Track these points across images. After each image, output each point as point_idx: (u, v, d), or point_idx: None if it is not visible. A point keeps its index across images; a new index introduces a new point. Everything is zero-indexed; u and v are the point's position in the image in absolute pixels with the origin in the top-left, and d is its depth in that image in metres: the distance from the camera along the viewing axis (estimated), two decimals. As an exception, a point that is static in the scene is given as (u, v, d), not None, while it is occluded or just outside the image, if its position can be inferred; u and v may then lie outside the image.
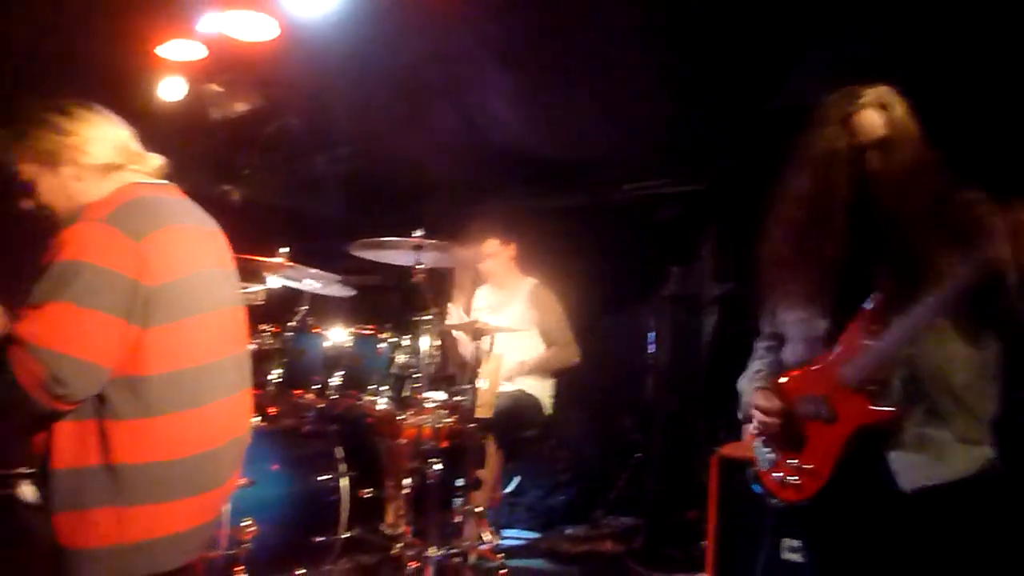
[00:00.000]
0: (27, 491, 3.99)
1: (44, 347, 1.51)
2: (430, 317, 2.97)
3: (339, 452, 3.48)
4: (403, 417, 3.03)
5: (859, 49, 3.19)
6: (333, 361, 3.19)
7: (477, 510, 3.13)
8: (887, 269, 1.68)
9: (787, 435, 1.85)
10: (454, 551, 3.00)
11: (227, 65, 3.94)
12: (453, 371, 3.33)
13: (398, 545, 3.24)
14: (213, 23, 3.52)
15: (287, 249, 3.40)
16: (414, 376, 3.01)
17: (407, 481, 3.29)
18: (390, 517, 3.80)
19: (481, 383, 3.08)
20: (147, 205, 1.71)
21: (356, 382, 3.16)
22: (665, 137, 4.22)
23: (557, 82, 4.04)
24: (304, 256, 3.45)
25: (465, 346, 3.88)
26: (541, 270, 3.98)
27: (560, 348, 3.81)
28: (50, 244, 1.64)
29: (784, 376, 1.90)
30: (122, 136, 1.81)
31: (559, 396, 3.98)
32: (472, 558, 3.10)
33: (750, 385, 1.94)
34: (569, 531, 4.23)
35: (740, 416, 1.97)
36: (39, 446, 1.61)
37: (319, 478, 3.39)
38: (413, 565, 2.87)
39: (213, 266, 1.80)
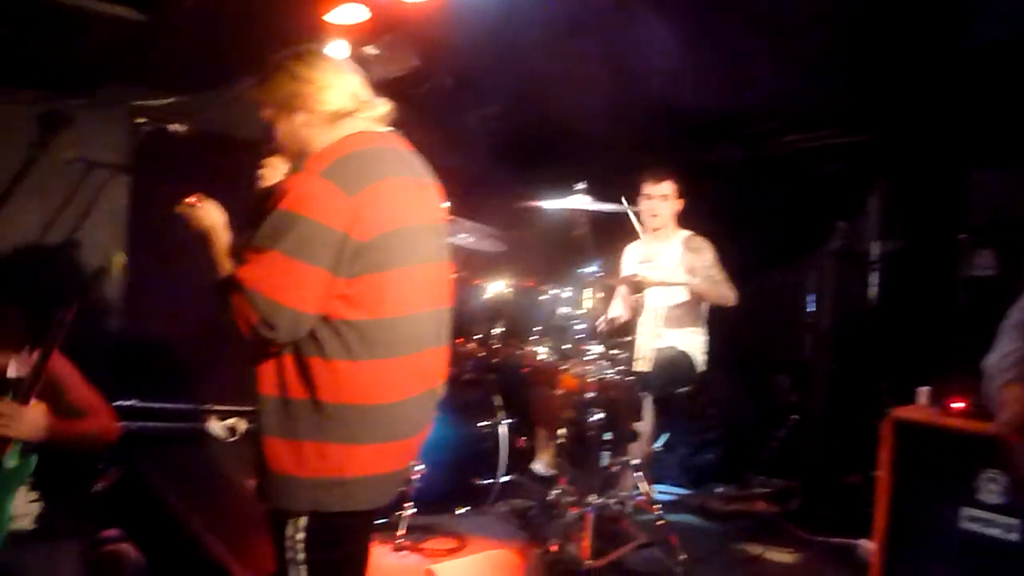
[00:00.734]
0: (216, 427, 4.38)
1: (259, 292, 1.60)
2: (591, 270, 2.98)
3: (497, 400, 3.60)
4: (565, 368, 3.07)
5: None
6: (494, 312, 3.28)
7: (633, 462, 3.15)
8: None
9: None
10: (612, 500, 3.04)
11: (387, 27, 4.06)
12: (612, 324, 3.33)
13: (554, 492, 3.34)
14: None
15: (446, 204, 3.51)
16: (575, 328, 3.03)
17: (561, 431, 3.37)
18: (542, 461, 3.90)
19: (639, 337, 3.07)
20: (366, 158, 1.74)
21: (517, 333, 3.23)
22: (831, 84, 3.99)
23: (714, 28, 3.90)
24: (460, 213, 3.56)
25: (624, 299, 3.88)
26: (697, 226, 3.90)
27: (716, 284, 3.69)
28: (276, 189, 1.73)
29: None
30: (353, 83, 1.83)
31: (711, 354, 3.92)
32: (629, 508, 3.13)
33: (1003, 373, 1.79)
34: (719, 489, 4.20)
35: (983, 399, 1.83)
36: (257, 374, 1.71)
37: (479, 424, 3.53)
38: (573, 511, 2.93)
39: (422, 220, 1.81)
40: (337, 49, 4.15)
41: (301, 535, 1.67)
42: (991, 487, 2.50)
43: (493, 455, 3.54)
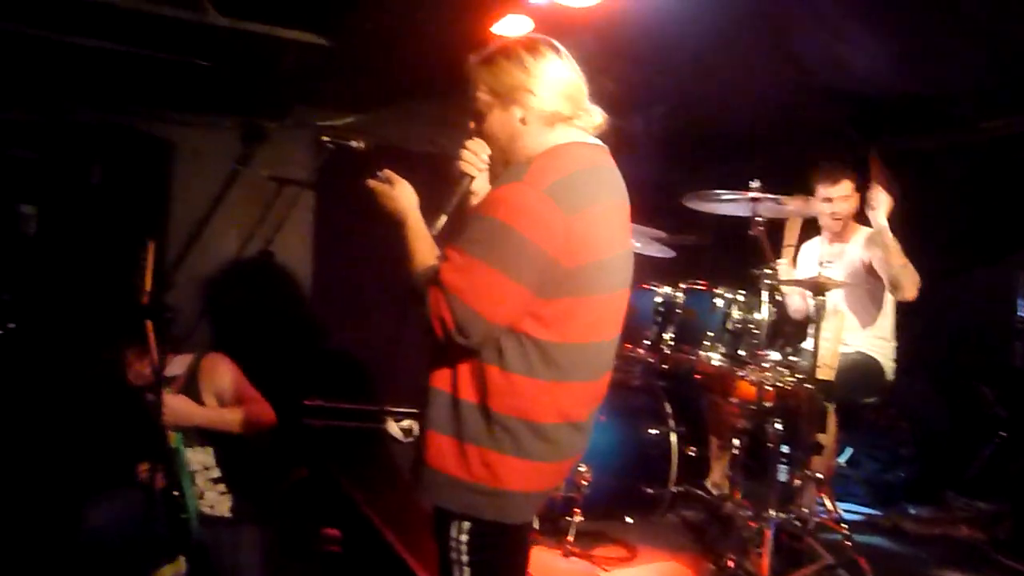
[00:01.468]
0: (394, 427, 4.59)
1: (460, 298, 1.57)
2: (769, 271, 2.83)
3: (668, 408, 3.52)
4: (741, 374, 2.94)
5: None
6: (665, 316, 3.21)
7: (817, 476, 2.95)
8: None
9: None
10: (794, 516, 2.87)
11: (551, 34, 4.10)
12: (790, 329, 3.15)
13: (728, 504, 3.20)
14: (541, -7, 3.64)
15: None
16: (751, 333, 2.89)
17: (736, 442, 3.22)
18: (716, 475, 3.76)
19: (823, 342, 2.88)
20: (586, 178, 1.66)
21: (689, 338, 3.14)
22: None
23: (898, 6, 3.61)
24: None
25: (803, 302, 3.67)
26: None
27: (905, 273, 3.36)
28: (491, 193, 1.68)
29: None
30: (576, 85, 1.74)
31: (900, 361, 3.62)
32: (812, 526, 2.94)
33: None
34: (913, 511, 3.86)
35: None
36: (431, 368, 1.70)
37: (649, 431, 3.46)
38: (752, 526, 2.79)
39: (621, 247, 1.76)
40: (512, 36, 4.24)
41: (465, 537, 1.67)
42: None
43: (664, 463, 3.45)
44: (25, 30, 3.62)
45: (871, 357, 3.42)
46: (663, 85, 4.67)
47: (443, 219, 1.77)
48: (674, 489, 3.43)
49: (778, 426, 2.86)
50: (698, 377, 3.48)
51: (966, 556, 3.30)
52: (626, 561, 3.07)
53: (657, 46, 4.12)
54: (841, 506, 3.71)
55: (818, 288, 2.90)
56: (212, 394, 2.86)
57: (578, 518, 3.11)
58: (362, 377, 4.85)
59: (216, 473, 2.81)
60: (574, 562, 3.03)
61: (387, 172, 1.79)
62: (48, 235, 4.48)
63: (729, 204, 3.06)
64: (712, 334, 3.09)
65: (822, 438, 2.93)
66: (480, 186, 1.83)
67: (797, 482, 2.99)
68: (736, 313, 3.07)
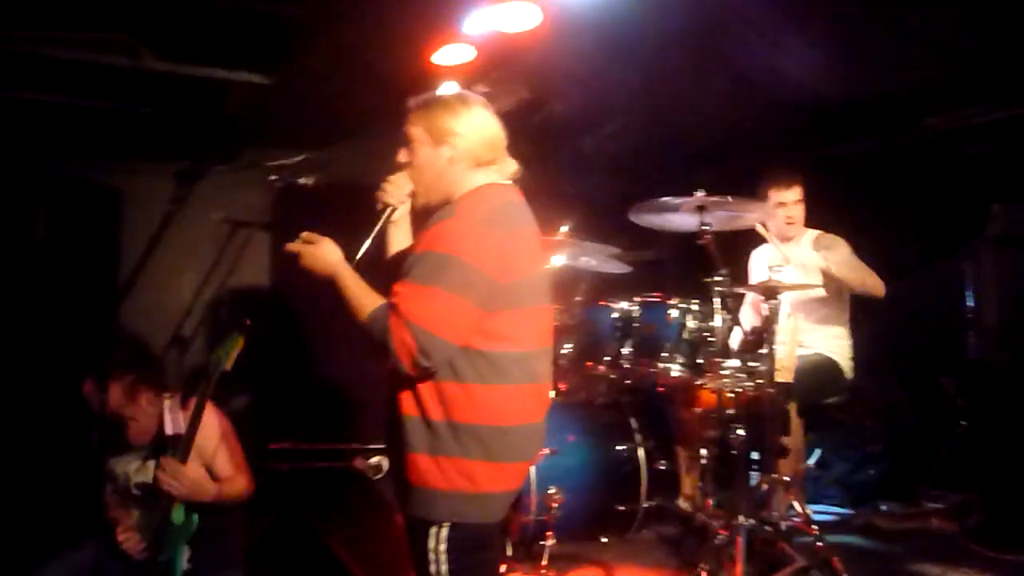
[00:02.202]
0: (363, 463, 4.51)
1: (419, 325, 1.72)
2: (720, 279, 2.86)
3: (634, 423, 3.51)
4: (700, 383, 2.95)
5: None
6: (623, 331, 3.21)
7: (785, 479, 2.96)
8: None
9: None
10: (765, 521, 2.86)
11: (493, 63, 4.13)
12: (747, 335, 3.17)
13: (701, 515, 3.19)
14: (479, 22, 3.68)
15: (566, 227, 3.50)
16: (708, 341, 2.91)
17: (703, 452, 3.22)
18: (687, 489, 3.74)
19: (779, 345, 2.90)
20: (508, 210, 1.88)
21: (648, 351, 3.14)
22: (969, 59, 3.68)
23: (830, 14, 3.70)
24: (582, 236, 3.52)
25: (754, 315, 3.70)
26: (834, 225, 3.66)
27: (856, 270, 3.44)
28: (430, 231, 1.83)
29: None
30: (499, 136, 1.95)
31: (862, 361, 3.65)
32: (784, 530, 2.93)
33: None
34: (885, 507, 3.89)
35: None
36: (397, 397, 1.83)
37: (617, 448, 3.45)
38: (722, 533, 2.78)
39: (540, 267, 1.97)
40: (448, 90, 4.26)
41: (443, 545, 1.78)
42: None
43: (634, 480, 3.43)
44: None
45: (829, 357, 3.46)
46: (610, 105, 4.73)
47: (365, 246, 1.93)
48: (646, 504, 3.41)
49: (741, 432, 2.86)
50: (661, 390, 3.48)
51: (938, 547, 3.33)
52: (602, 581, 3.04)
53: (602, 66, 4.18)
54: (814, 508, 3.73)
55: (770, 292, 2.93)
56: (197, 450, 2.72)
57: (551, 541, 3.08)
58: (328, 416, 4.78)
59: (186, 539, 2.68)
60: (550, 587, 2.99)
61: (306, 234, 1.94)
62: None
63: (677, 216, 3.07)
64: (670, 345, 3.10)
65: (787, 441, 2.94)
66: (400, 216, 2.03)
67: (765, 487, 2.98)
68: (691, 323, 3.08)
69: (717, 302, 2.88)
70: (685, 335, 3.08)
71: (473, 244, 1.78)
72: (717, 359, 2.90)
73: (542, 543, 3.08)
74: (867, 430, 4.24)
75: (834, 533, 3.40)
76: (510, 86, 4.45)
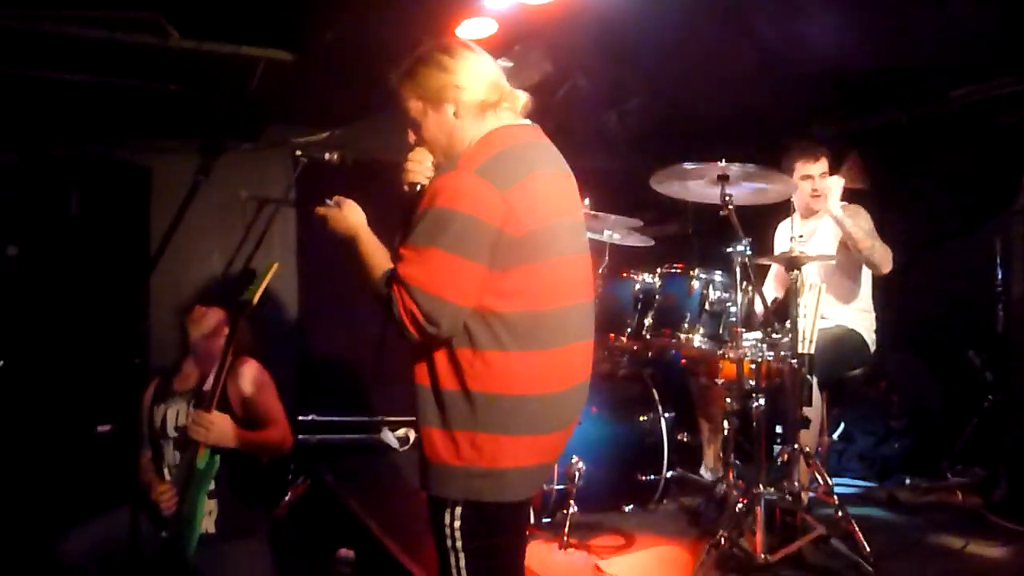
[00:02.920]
0: (389, 436, 4.59)
1: (422, 289, 1.63)
2: (742, 249, 2.85)
3: (655, 394, 3.53)
4: (722, 354, 2.95)
5: None
6: (645, 303, 3.22)
7: (806, 450, 2.96)
8: None
9: None
10: (785, 491, 2.87)
11: (516, 36, 4.12)
12: (769, 307, 3.16)
13: (722, 485, 3.21)
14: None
15: (587, 201, 3.50)
16: (730, 312, 2.91)
17: (725, 423, 3.23)
18: (709, 460, 3.78)
19: (801, 317, 2.90)
20: (516, 154, 1.74)
21: (670, 322, 3.15)
22: (999, 27, 3.61)
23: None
24: (605, 209, 3.53)
25: (778, 278, 3.69)
26: (861, 198, 3.63)
27: (871, 239, 3.41)
28: (427, 189, 1.74)
29: None
30: (496, 72, 1.83)
31: (888, 335, 3.63)
32: (805, 500, 2.95)
33: None
34: (909, 481, 3.88)
35: None
36: (412, 366, 1.74)
37: (639, 419, 3.48)
38: (742, 501, 2.80)
39: (569, 214, 1.81)
40: (425, 47, 4.25)
41: (458, 523, 1.70)
42: None
43: (656, 451, 3.47)
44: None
45: (852, 330, 3.45)
46: (634, 79, 4.71)
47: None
48: (668, 475, 3.44)
49: (763, 403, 2.86)
50: (683, 362, 3.50)
51: (962, 520, 3.31)
52: (623, 549, 3.08)
53: (625, 40, 4.15)
54: (837, 481, 3.73)
55: (792, 263, 2.92)
56: (239, 401, 2.78)
57: (573, 510, 3.12)
58: (355, 388, 4.86)
59: (211, 485, 2.71)
60: (571, 554, 3.03)
61: (336, 198, 1.86)
62: (31, 272, 4.49)
63: (699, 187, 3.06)
64: (691, 317, 3.11)
65: (808, 412, 2.93)
66: None
67: (786, 458, 3.00)
68: (714, 294, 3.08)
69: (739, 273, 2.87)
70: (707, 306, 3.08)
71: (473, 194, 1.65)
72: (739, 330, 2.89)
73: (564, 512, 3.12)
74: (892, 404, 4.22)
75: (856, 505, 3.41)
76: (533, 60, 4.44)
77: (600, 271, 3.48)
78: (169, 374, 2.97)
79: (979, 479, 3.74)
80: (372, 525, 3.37)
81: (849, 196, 3.61)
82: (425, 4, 3.58)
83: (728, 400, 3.16)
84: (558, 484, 3.18)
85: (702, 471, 3.77)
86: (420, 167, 1.84)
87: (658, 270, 3.26)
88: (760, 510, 2.75)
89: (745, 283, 2.95)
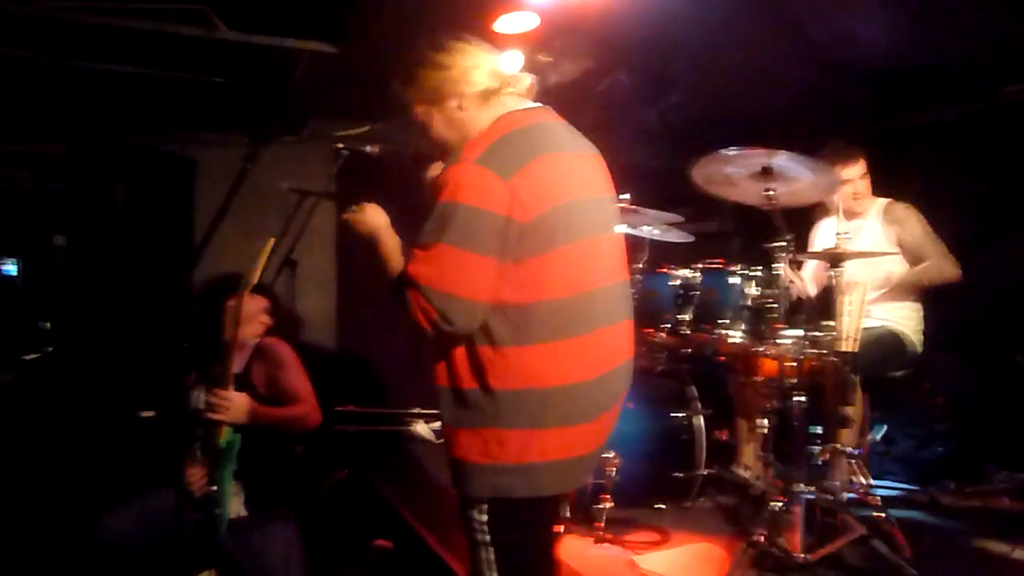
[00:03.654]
0: (422, 429, 4.63)
1: (433, 287, 1.62)
2: (784, 244, 2.81)
3: (692, 391, 3.51)
4: (761, 350, 2.92)
5: None
6: (683, 299, 3.20)
7: (847, 449, 2.92)
8: None
9: None
10: (826, 492, 2.83)
11: (557, 31, 4.11)
12: (810, 303, 3.12)
13: (760, 483, 3.17)
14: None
15: (627, 196, 3.49)
16: (769, 308, 2.87)
17: (763, 421, 3.20)
18: (746, 458, 3.73)
19: (845, 315, 2.85)
20: (518, 138, 1.71)
21: (708, 317, 3.12)
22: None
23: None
24: (644, 204, 3.51)
25: (816, 276, 3.64)
26: (909, 198, 3.56)
27: (934, 260, 3.36)
28: (433, 185, 1.74)
29: None
30: (494, 61, 1.83)
31: (934, 336, 3.56)
32: (844, 500, 2.90)
33: None
34: (952, 485, 3.79)
35: None
36: (433, 368, 1.74)
37: (675, 415, 3.45)
38: (780, 500, 2.77)
39: (587, 193, 1.77)
40: (511, 60, 4.26)
41: (485, 517, 1.69)
42: None
43: (693, 448, 3.44)
44: (39, 58, 3.73)
45: (894, 330, 3.39)
46: (675, 74, 4.67)
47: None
48: (704, 472, 3.41)
49: (802, 399, 2.82)
50: (722, 359, 3.46)
51: (1006, 526, 3.23)
52: (658, 545, 3.06)
53: (666, 34, 4.12)
54: (878, 483, 3.66)
55: (835, 259, 2.88)
56: (264, 380, 2.80)
57: (608, 505, 3.11)
58: (391, 381, 4.90)
59: (235, 466, 2.70)
60: (606, 548, 3.03)
61: (361, 203, 1.89)
62: (79, 261, 4.60)
63: (741, 182, 3.02)
64: (731, 312, 3.07)
65: (849, 411, 2.89)
66: None
67: (827, 457, 2.95)
68: (753, 290, 3.05)
69: (780, 268, 2.83)
70: (747, 302, 3.04)
71: (475, 185, 1.63)
72: (780, 327, 2.85)
73: (599, 506, 3.11)
74: (936, 407, 4.13)
75: (898, 507, 3.35)
76: (573, 55, 4.43)
77: (640, 265, 3.46)
78: (210, 359, 3.02)
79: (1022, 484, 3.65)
80: (408, 516, 3.41)
81: (896, 196, 3.54)
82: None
83: (767, 398, 3.12)
84: (594, 479, 3.17)
85: (738, 470, 3.73)
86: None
87: (698, 265, 3.23)
88: (799, 509, 2.72)
89: (787, 280, 2.90)
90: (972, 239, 4.10)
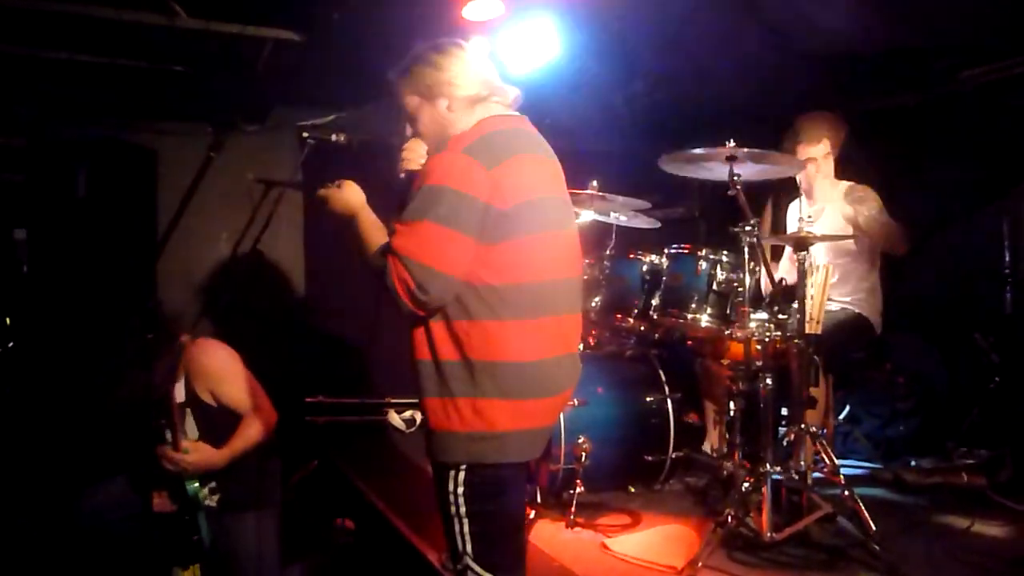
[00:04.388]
0: (395, 419, 4.62)
1: (413, 259, 1.74)
2: (750, 229, 2.85)
3: (662, 375, 3.54)
4: (728, 334, 2.96)
5: None
6: (651, 284, 3.23)
7: (812, 430, 2.97)
8: None
9: None
10: (791, 471, 2.88)
11: (527, 15, 4.10)
12: (778, 287, 3.16)
13: (728, 465, 3.22)
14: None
15: (595, 182, 3.50)
16: (737, 292, 2.91)
17: (731, 403, 3.24)
18: (714, 440, 3.78)
19: (808, 297, 2.90)
20: (502, 137, 1.88)
21: (677, 303, 3.15)
22: (1010, 7, 3.58)
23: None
24: (611, 191, 3.52)
25: (790, 260, 3.68)
26: (869, 179, 3.62)
27: (883, 226, 3.43)
28: (420, 170, 1.89)
29: None
30: (486, 71, 1.99)
31: (895, 317, 3.63)
32: (811, 480, 2.96)
33: None
34: (915, 463, 3.88)
35: None
36: (412, 342, 1.84)
37: (645, 399, 3.49)
38: (748, 481, 2.81)
39: (553, 192, 1.95)
40: (477, 44, 4.24)
41: (461, 488, 1.80)
42: None
43: (662, 432, 3.48)
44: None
45: (856, 312, 3.45)
46: (641, 60, 4.69)
47: None
48: (673, 456, 3.46)
49: (769, 382, 2.87)
50: (690, 343, 3.50)
51: (966, 501, 3.32)
52: (630, 528, 3.10)
53: (632, 20, 4.13)
54: (843, 463, 3.72)
55: (800, 244, 2.92)
56: (210, 395, 2.78)
57: (579, 490, 3.14)
58: (361, 371, 4.88)
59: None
60: (578, 532, 3.05)
61: (339, 180, 1.99)
62: (40, 254, 4.51)
63: (708, 166, 3.05)
64: (699, 297, 3.11)
65: (814, 391, 2.94)
66: None
67: (793, 438, 3.00)
68: (721, 274, 3.08)
69: (747, 252, 2.87)
70: (714, 286, 3.08)
71: (462, 172, 1.78)
72: (746, 310, 2.89)
73: (570, 492, 3.14)
74: (898, 386, 4.22)
75: (862, 486, 3.41)
76: (539, 41, 4.41)
77: (607, 252, 3.48)
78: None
79: (984, 460, 3.73)
80: (378, 503, 3.41)
81: (856, 178, 3.60)
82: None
83: (734, 381, 3.16)
84: (565, 464, 3.20)
85: (706, 451, 3.78)
86: (415, 155, 1.99)
87: (665, 250, 3.26)
88: (767, 489, 2.76)
89: (752, 263, 2.94)
90: (932, 222, 4.19)
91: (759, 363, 2.93)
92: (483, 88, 1.96)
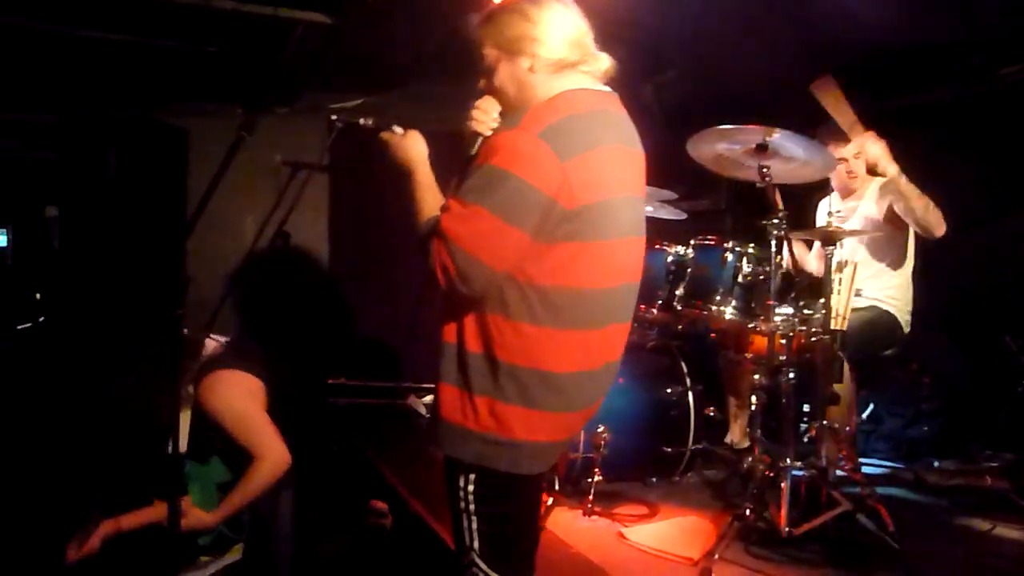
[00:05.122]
0: (416, 402, 4.64)
1: (461, 247, 1.58)
2: (777, 222, 2.82)
3: (684, 367, 3.53)
4: (751, 326, 2.94)
5: None
6: (676, 275, 3.21)
7: (835, 427, 2.95)
8: None
9: None
10: (812, 467, 2.87)
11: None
12: (802, 281, 3.14)
13: (748, 459, 3.21)
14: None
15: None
16: (763, 285, 2.89)
17: (753, 397, 3.23)
18: (735, 434, 3.77)
19: (835, 293, 2.87)
20: (582, 123, 1.66)
21: (701, 294, 3.14)
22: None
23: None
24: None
25: (819, 254, 3.65)
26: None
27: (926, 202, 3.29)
28: (487, 143, 1.68)
29: None
30: (581, 31, 1.73)
31: (923, 316, 3.58)
32: (831, 477, 2.94)
33: None
34: (937, 464, 3.84)
35: None
36: (441, 322, 1.71)
37: (666, 391, 3.48)
38: (768, 475, 2.80)
39: (628, 192, 1.74)
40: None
41: (472, 487, 1.69)
42: None
43: (682, 423, 3.48)
44: (33, 25, 3.68)
45: (885, 310, 3.40)
46: (671, 50, 4.65)
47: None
48: (693, 448, 3.45)
49: (792, 376, 2.84)
50: (713, 335, 3.48)
51: (989, 503, 3.29)
52: (647, 518, 3.10)
53: (663, 10, 4.09)
54: (864, 461, 3.71)
55: (828, 239, 2.89)
56: (222, 433, 2.65)
57: (598, 479, 3.14)
58: (384, 355, 4.92)
59: (228, 477, 2.70)
60: (595, 520, 3.07)
61: (406, 128, 1.81)
62: (71, 231, 4.57)
63: (736, 158, 3.01)
64: (723, 289, 3.09)
65: (838, 388, 2.91)
66: None
67: (814, 434, 2.98)
68: (747, 266, 3.06)
69: (774, 246, 2.84)
70: (740, 279, 3.06)
71: (532, 158, 1.57)
72: (771, 303, 2.87)
73: (589, 480, 3.15)
74: (923, 387, 4.17)
75: (883, 485, 3.41)
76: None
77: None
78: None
79: (1008, 463, 3.69)
80: (400, 488, 3.44)
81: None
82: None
83: (756, 375, 3.14)
84: (584, 452, 3.20)
85: (727, 444, 3.77)
86: (486, 117, 1.74)
87: (691, 242, 3.24)
88: (786, 484, 2.75)
89: (779, 257, 2.92)
90: (965, 220, 4.12)
91: (783, 357, 2.90)
92: (572, 52, 1.70)
